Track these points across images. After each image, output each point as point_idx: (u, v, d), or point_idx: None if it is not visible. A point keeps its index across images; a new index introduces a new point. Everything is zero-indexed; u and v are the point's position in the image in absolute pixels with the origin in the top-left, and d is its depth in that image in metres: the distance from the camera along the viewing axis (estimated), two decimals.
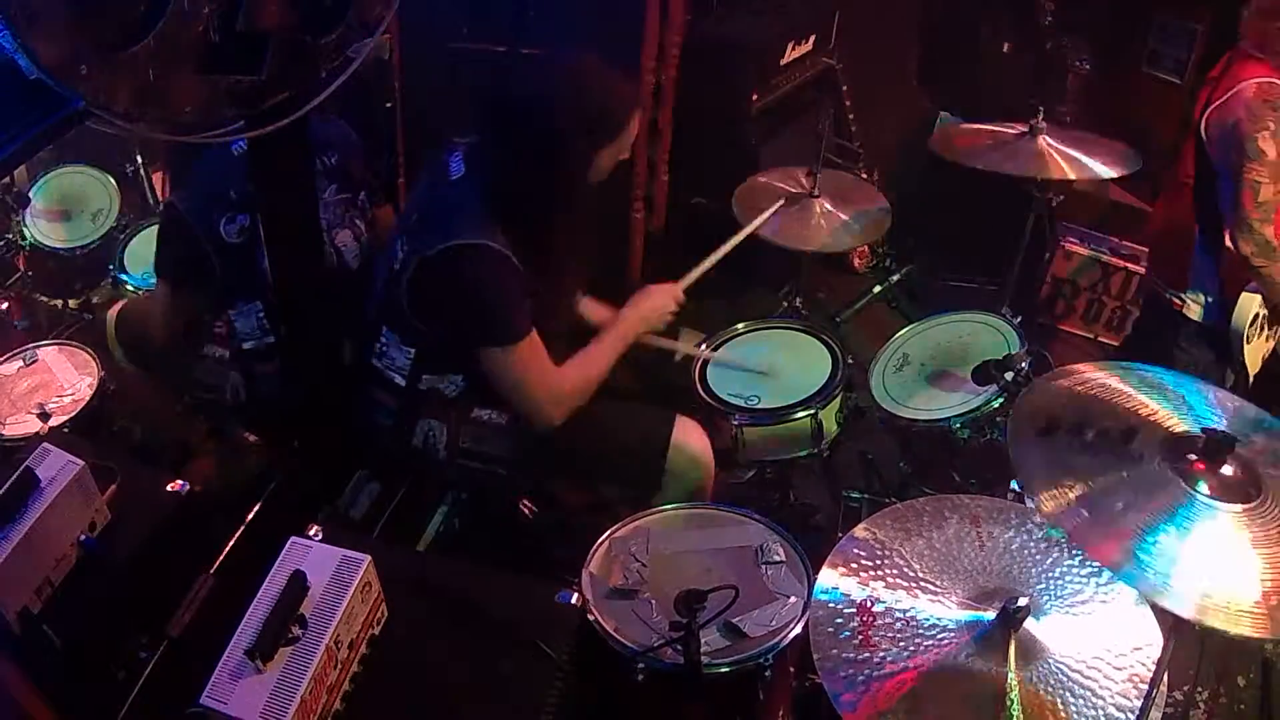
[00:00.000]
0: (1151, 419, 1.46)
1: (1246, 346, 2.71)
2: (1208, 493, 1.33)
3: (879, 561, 1.66)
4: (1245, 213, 2.41)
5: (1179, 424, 1.45)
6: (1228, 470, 1.35)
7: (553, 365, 2.14)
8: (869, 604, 1.60)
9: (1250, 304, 2.64)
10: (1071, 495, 1.34)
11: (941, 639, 1.55)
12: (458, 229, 2.00)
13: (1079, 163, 2.75)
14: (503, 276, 2.02)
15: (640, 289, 2.41)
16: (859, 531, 1.71)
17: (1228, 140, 2.47)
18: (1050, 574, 1.64)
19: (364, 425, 2.30)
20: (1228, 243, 2.53)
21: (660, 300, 2.38)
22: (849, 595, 1.61)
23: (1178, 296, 2.75)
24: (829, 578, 1.63)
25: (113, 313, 2.72)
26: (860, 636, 1.55)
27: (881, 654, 1.53)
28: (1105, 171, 2.74)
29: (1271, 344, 2.85)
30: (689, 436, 2.27)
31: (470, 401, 2.23)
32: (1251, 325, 2.68)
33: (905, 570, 1.64)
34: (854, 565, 1.65)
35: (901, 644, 1.54)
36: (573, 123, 2.00)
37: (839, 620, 1.58)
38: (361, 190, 2.49)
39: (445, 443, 2.23)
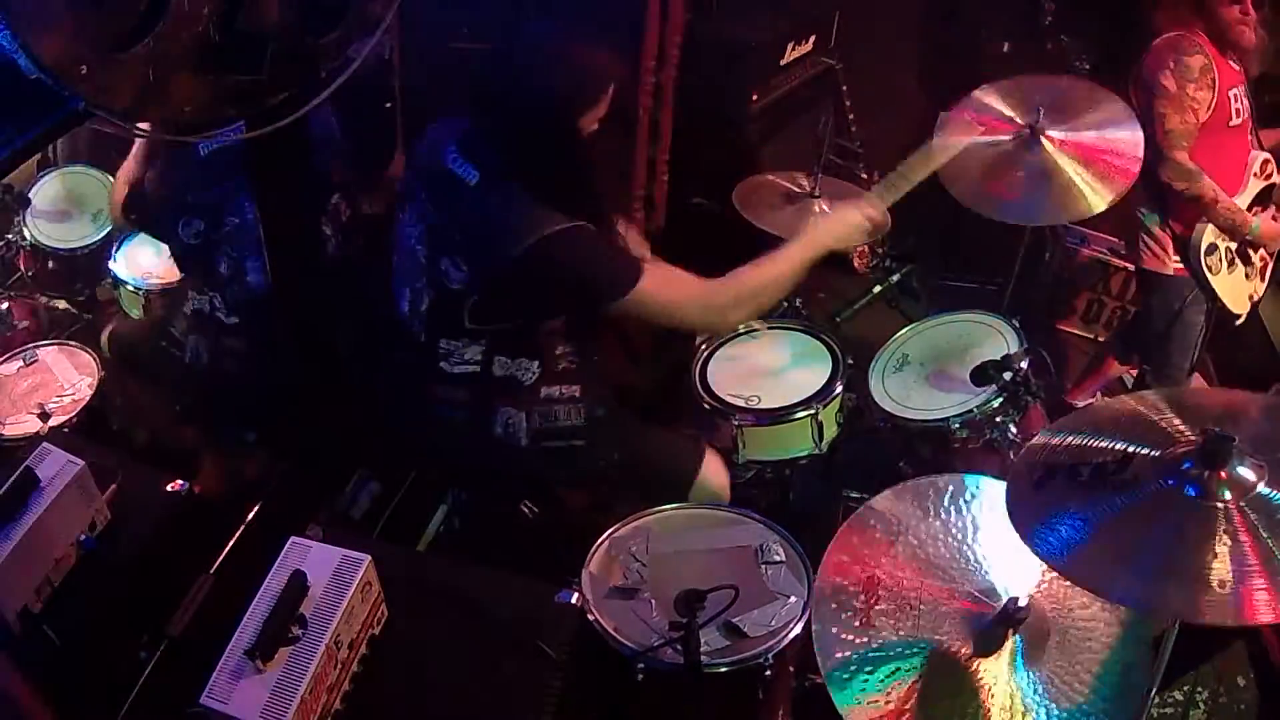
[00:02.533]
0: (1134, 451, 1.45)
1: (1213, 278, 2.82)
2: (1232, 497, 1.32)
3: (894, 537, 1.67)
4: (1158, 143, 2.65)
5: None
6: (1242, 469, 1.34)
7: (696, 278, 2.10)
8: (875, 581, 1.61)
9: (1202, 233, 2.79)
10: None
11: (941, 630, 1.55)
12: (526, 227, 1.98)
13: (1092, 165, 2.55)
14: (592, 242, 2.02)
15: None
16: (879, 503, 1.73)
17: (1140, 88, 2.71)
18: (1059, 580, 1.63)
19: (436, 427, 2.24)
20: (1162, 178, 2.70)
21: (852, 216, 2.25)
22: (858, 569, 1.63)
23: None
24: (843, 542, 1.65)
25: (105, 337, 2.74)
26: (862, 618, 1.57)
27: (881, 639, 1.54)
28: (1131, 160, 2.53)
29: (1258, 283, 2.96)
30: (712, 470, 2.30)
31: (540, 384, 2.18)
32: (1210, 255, 2.81)
33: (917, 551, 1.65)
34: (869, 536, 1.67)
35: (901, 632, 1.55)
36: (562, 93, 2.01)
37: (843, 597, 1.60)
38: (335, 193, 2.48)
39: (526, 428, 2.19)
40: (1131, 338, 3.35)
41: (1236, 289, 2.90)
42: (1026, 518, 1.41)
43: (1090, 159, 2.52)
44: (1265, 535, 1.27)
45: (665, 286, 2.07)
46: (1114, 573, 1.30)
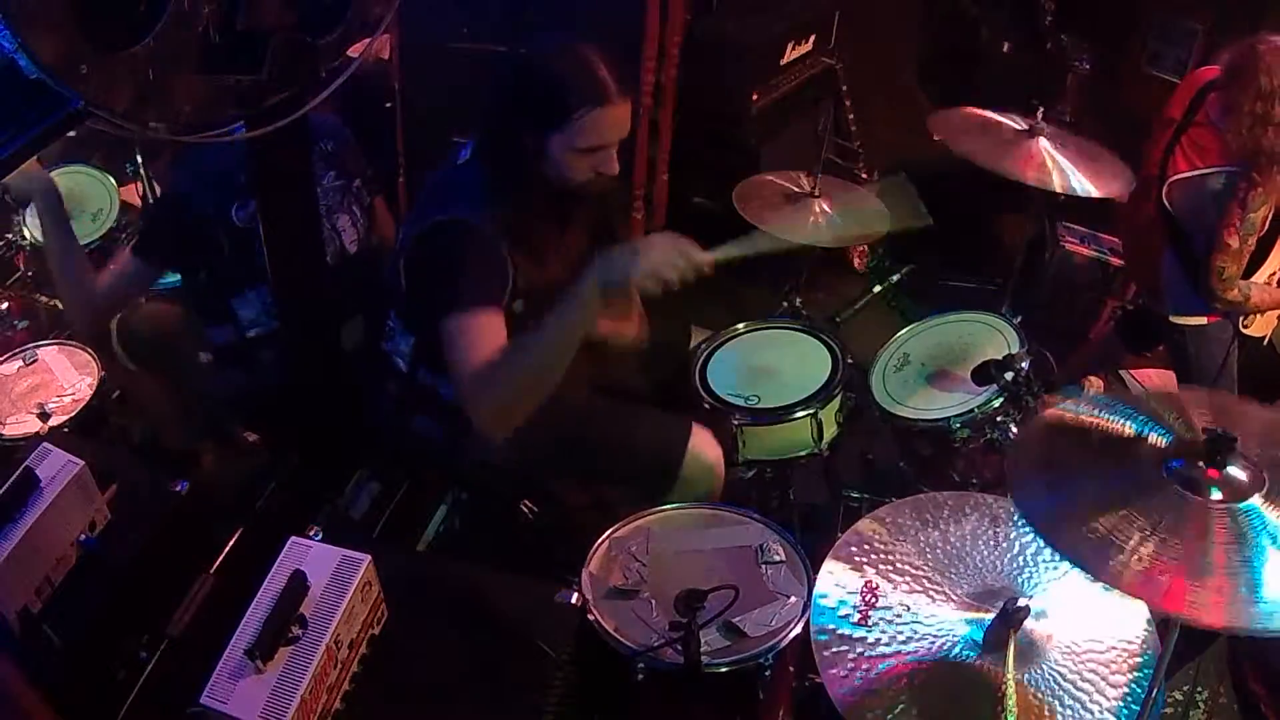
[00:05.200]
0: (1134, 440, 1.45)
1: (1249, 331, 2.87)
2: (1222, 498, 1.32)
3: (892, 545, 1.68)
4: (1210, 286, 2.63)
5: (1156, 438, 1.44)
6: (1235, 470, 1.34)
7: (485, 355, 1.89)
8: (874, 585, 1.62)
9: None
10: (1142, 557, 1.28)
11: (940, 632, 1.55)
12: (450, 205, 2.00)
13: (1069, 176, 2.77)
14: (478, 250, 1.95)
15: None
16: (881, 512, 1.74)
17: (1196, 221, 2.64)
18: (1060, 582, 1.64)
19: (370, 413, 2.28)
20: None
21: (662, 251, 1.89)
22: (857, 573, 1.64)
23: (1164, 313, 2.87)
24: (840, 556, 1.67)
25: (114, 323, 2.73)
26: (860, 614, 1.58)
27: (878, 636, 1.55)
28: (1093, 189, 2.74)
29: None
30: (703, 446, 2.28)
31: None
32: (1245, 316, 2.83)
33: (914, 559, 1.66)
34: (867, 546, 1.68)
35: (899, 631, 1.56)
36: (515, 105, 1.98)
37: (842, 602, 1.60)
38: (356, 178, 2.50)
39: (441, 439, 2.21)
40: (1138, 339, 3.38)
41: (1267, 319, 2.93)
42: (1029, 480, 1.42)
43: (1068, 172, 2.80)
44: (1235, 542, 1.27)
45: (481, 340, 1.89)
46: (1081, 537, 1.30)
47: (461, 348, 1.91)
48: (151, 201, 3.02)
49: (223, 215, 2.30)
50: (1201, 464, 1.34)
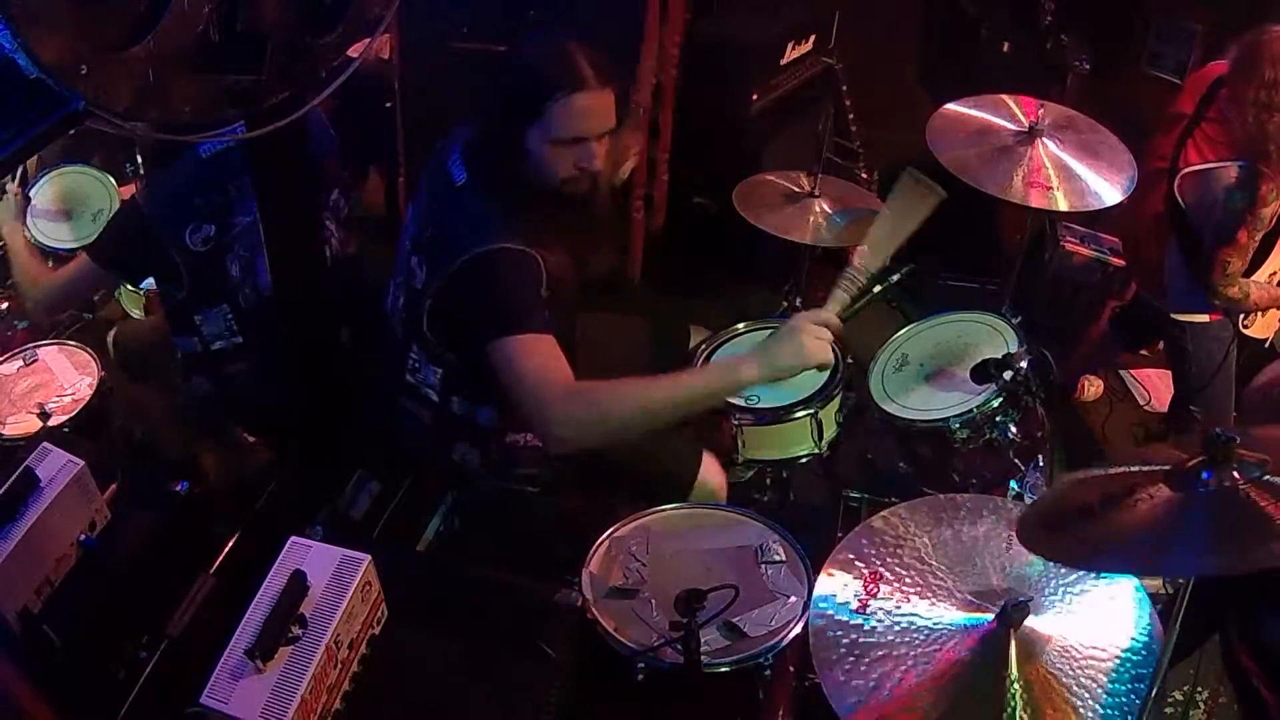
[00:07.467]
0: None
1: (1250, 331, 2.87)
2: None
3: (901, 541, 1.70)
4: (1213, 281, 2.64)
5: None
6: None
7: (570, 375, 1.87)
8: (876, 576, 1.64)
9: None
10: None
11: (939, 628, 1.56)
12: (475, 238, 1.93)
13: (1073, 184, 2.77)
14: (522, 272, 1.92)
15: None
16: (899, 509, 1.76)
17: (1206, 215, 2.63)
18: (1069, 589, 1.64)
19: (401, 436, 2.26)
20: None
21: (811, 333, 1.85)
22: (861, 562, 1.66)
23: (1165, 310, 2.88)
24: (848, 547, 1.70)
25: (110, 338, 2.74)
26: (859, 602, 1.60)
27: (876, 632, 1.56)
28: (1098, 196, 2.75)
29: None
30: (710, 473, 2.30)
31: (504, 428, 2.20)
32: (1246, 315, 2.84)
33: (923, 555, 1.67)
34: (877, 540, 1.70)
35: (898, 629, 1.56)
36: (498, 102, 1.96)
37: (844, 587, 1.62)
38: (335, 189, 2.48)
39: (480, 463, 2.22)
40: (1135, 336, 3.38)
41: (1269, 321, 2.93)
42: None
43: (1071, 173, 2.81)
44: None
45: (548, 359, 1.86)
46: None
47: (528, 371, 1.86)
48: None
49: (176, 238, 2.28)
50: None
